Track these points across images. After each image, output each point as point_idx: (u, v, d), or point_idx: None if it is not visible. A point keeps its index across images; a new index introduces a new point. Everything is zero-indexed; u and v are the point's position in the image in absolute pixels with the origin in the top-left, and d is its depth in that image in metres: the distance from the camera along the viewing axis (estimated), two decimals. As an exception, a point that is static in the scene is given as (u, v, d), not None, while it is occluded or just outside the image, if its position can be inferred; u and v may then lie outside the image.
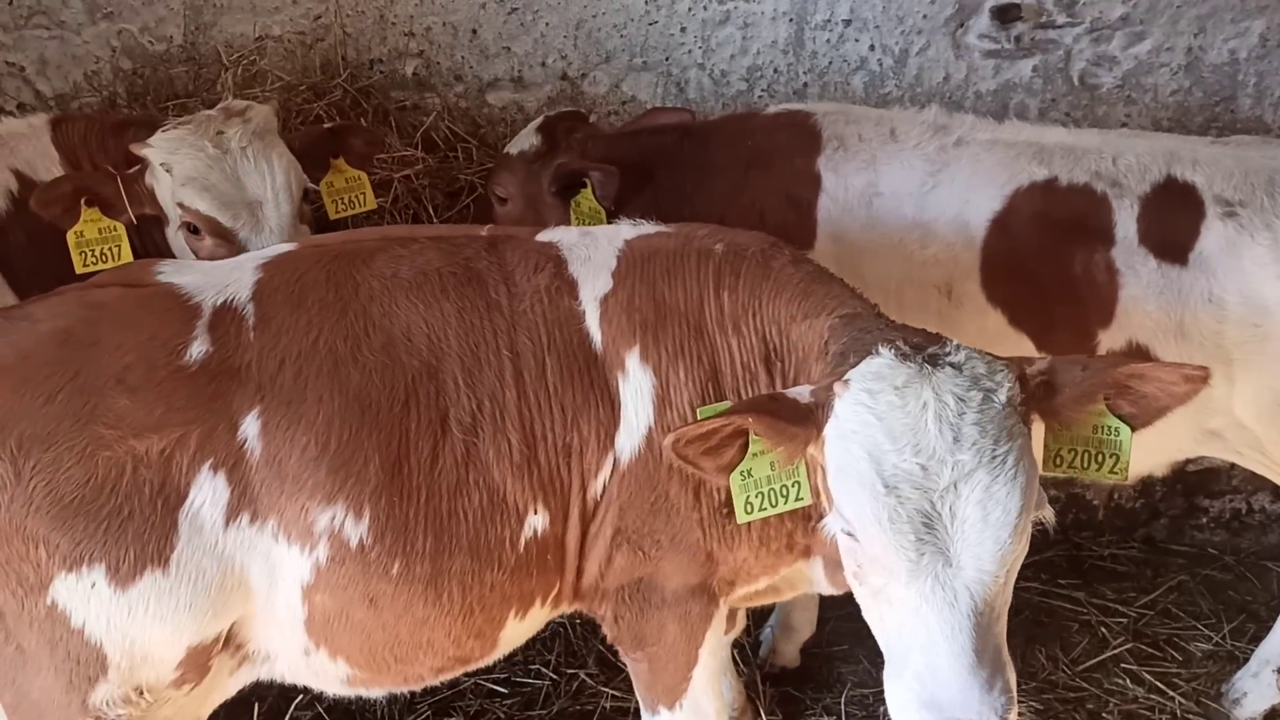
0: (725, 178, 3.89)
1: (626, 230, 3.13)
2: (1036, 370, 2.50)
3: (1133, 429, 2.53)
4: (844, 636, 4.65)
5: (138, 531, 2.63)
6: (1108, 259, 3.51)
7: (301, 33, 4.98)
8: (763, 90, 5.10)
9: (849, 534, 2.48)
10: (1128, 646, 4.61)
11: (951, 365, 2.41)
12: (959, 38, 5.00)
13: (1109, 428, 2.53)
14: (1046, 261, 3.56)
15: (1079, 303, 3.54)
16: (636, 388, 2.92)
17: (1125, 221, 3.52)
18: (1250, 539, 5.25)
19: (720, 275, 2.95)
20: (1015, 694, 2.40)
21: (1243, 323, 3.43)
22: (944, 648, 2.34)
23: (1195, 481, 5.16)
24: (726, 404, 2.75)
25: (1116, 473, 2.56)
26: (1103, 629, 4.73)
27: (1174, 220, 3.50)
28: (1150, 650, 4.62)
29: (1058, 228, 3.56)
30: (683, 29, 5.03)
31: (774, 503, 2.65)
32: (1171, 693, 4.40)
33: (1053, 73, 5.00)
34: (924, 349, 2.46)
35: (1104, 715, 4.32)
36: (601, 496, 2.97)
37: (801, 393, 2.57)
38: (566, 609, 3.21)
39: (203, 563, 2.70)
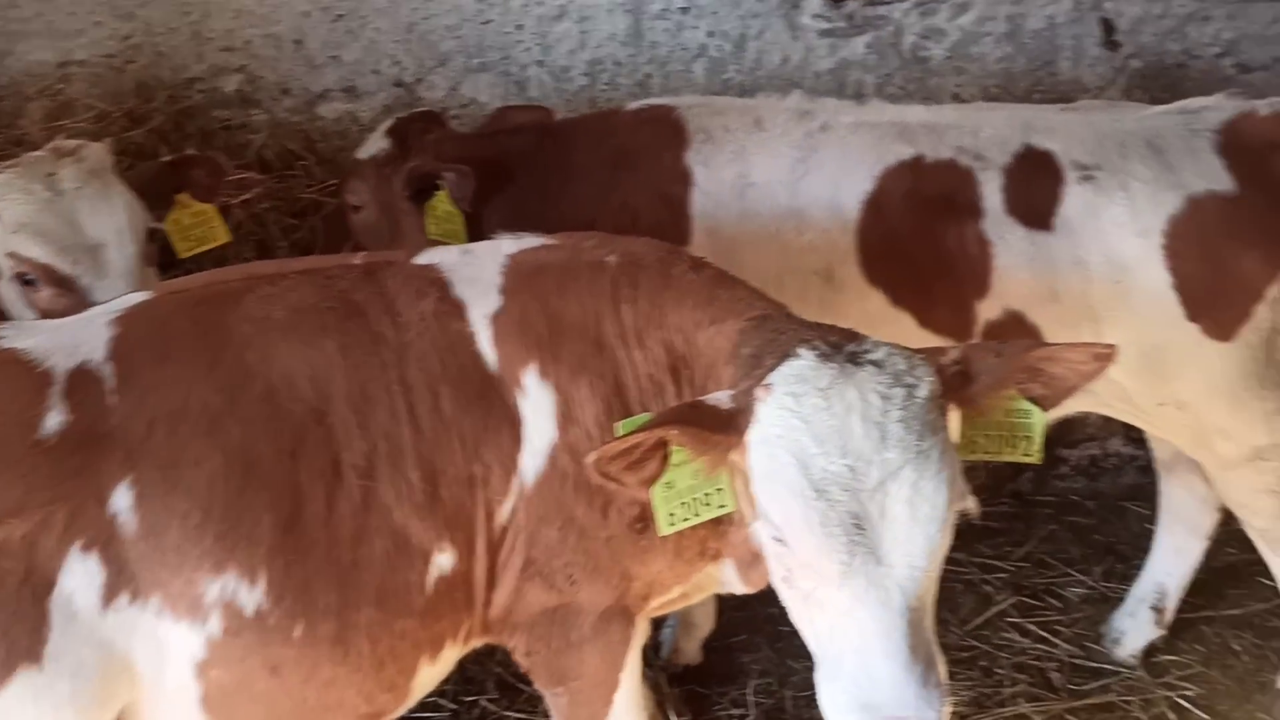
0: (591, 179, 3.78)
1: (508, 245, 2.99)
2: (950, 360, 2.48)
3: (1043, 409, 2.56)
4: (741, 626, 4.62)
5: (4, 628, 2.39)
6: (978, 231, 3.55)
7: (110, 55, 4.62)
8: (605, 83, 5.01)
9: (778, 540, 2.42)
10: (1011, 601, 4.72)
11: (872, 363, 2.38)
12: (794, 19, 5.03)
13: (1021, 410, 2.55)
14: (921, 239, 3.58)
15: (955, 277, 3.56)
16: (536, 405, 2.80)
17: (991, 193, 3.56)
18: (1107, 482, 5.44)
19: (617, 288, 2.84)
20: (948, 686, 2.40)
21: (1106, 281, 3.52)
22: (878, 647, 2.32)
23: (1054, 433, 5.27)
24: (646, 416, 2.66)
25: (1030, 454, 2.59)
26: (986, 586, 4.83)
27: (1036, 188, 3.56)
28: (1032, 601, 4.74)
29: (928, 204, 3.58)
30: (519, 26, 4.90)
31: (697, 512, 2.57)
32: (1056, 640, 4.53)
33: (885, 48, 5.07)
34: (843, 348, 2.42)
35: (996, 671, 4.41)
36: (509, 522, 2.84)
37: (721, 399, 2.49)
38: (476, 643, 3.06)
39: (81, 652, 2.46)
